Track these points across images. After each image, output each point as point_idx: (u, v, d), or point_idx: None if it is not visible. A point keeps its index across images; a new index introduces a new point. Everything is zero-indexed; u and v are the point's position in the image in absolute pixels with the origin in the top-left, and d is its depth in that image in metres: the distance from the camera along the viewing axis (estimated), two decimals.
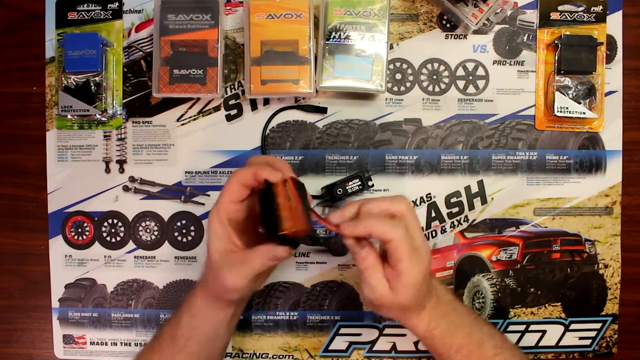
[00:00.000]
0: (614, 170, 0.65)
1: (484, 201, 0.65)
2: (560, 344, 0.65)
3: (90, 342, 0.66)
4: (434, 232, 0.65)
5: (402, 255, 0.46)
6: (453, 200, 0.65)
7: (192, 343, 0.51)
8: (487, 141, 0.65)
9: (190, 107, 0.65)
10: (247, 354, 0.65)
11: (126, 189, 0.65)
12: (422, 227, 0.65)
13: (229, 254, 0.48)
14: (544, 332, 0.65)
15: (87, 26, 0.64)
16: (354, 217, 0.49)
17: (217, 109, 0.65)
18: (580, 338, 0.65)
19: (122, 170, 0.65)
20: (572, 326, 0.65)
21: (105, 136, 0.65)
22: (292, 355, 0.65)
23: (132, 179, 0.65)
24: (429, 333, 0.51)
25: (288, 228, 0.45)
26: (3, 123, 0.66)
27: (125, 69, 0.65)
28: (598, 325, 0.65)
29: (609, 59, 0.65)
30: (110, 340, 0.66)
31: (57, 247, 0.65)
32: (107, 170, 0.65)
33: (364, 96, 0.64)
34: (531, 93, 0.65)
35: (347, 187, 0.60)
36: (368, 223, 0.46)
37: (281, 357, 0.65)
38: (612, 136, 0.65)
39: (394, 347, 0.65)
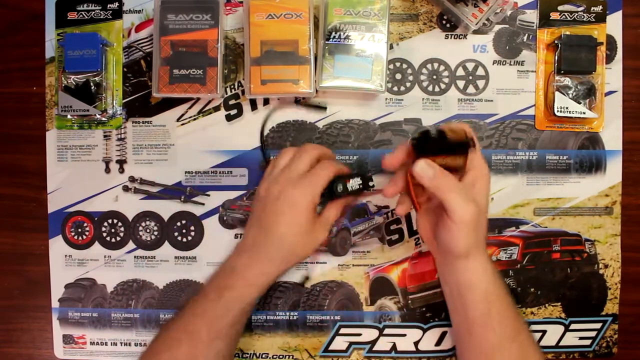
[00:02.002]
0: (614, 170, 0.65)
1: None
2: (561, 344, 0.65)
3: (90, 342, 0.66)
4: None
5: (476, 148, 0.51)
6: None
7: (233, 328, 0.54)
8: (487, 141, 0.65)
9: (190, 107, 0.65)
10: (247, 354, 0.65)
11: (126, 189, 0.65)
12: None
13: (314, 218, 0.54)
14: (544, 332, 0.65)
15: (87, 26, 0.64)
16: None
17: (217, 109, 0.65)
18: (581, 338, 0.65)
19: (122, 170, 0.65)
20: (572, 326, 0.65)
21: (105, 136, 0.65)
22: (292, 356, 0.65)
23: (132, 179, 0.65)
24: (493, 277, 0.53)
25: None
26: (3, 123, 0.66)
27: (125, 69, 0.65)
28: (598, 325, 0.65)
29: (609, 59, 0.65)
30: (110, 340, 0.66)
31: (57, 247, 0.65)
32: (107, 170, 0.65)
33: (364, 96, 0.64)
34: (531, 93, 0.65)
35: (347, 185, 0.60)
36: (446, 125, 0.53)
37: (281, 357, 0.65)
38: (612, 136, 0.65)
39: (394, 347, 0.65)
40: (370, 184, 0.61)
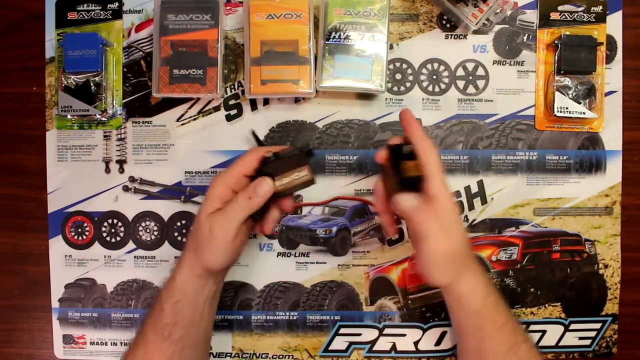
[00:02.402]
0: (614, 170, 0.65)
1: (483, 201, 0.65)
2: (560, 344, 0.65)
3: (90, 342, 0.66)
4: None
5: (435, 173, 0.48)
6: None
7: (176, 329, 0.51)
8: (487, 141, 0.65)
9: (190, 107, 0.65)
10: (247, 354, 0.65)
11: (126, 189, 0.65)
12: None
13: (216, 211, 0.50)
14: (544, 332, 0.65)
15: (87, 26, 0.64)
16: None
17: (217, 109, 0.65)
18: (580, 338, 0.65)
19: (122, 170, 0.65)
20: (572, 326, 0.65)
21: (105, 136, 0.65)
22: (292, 355, 0.65)
23: (132, 179, 0.65)
24: (484, 300, 0.51)
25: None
26: (3, 123, 0.66)
27: (125, 69, 0.65)
28: (598, 325, 0.65)
29: (609, 59, 0.65)
30: (110, 340, 0.66)
31: (57, 247, 0.65)
32: (107, 170, 0.65)
33: (364, 96, 0.64)
34: (531, 93, 0.65)
35: (279, 154, 0.51)
36: (420, 130, 0.50)
37: (281, 357, 0.65)
38: (612, 136, 0.65)
39: (393, 347, 0.65)
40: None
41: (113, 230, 0.65)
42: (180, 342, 0.52)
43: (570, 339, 0.65)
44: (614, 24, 0.65)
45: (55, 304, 0.65)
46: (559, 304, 0.65)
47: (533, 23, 0.65)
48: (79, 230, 0.65)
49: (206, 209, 0.51)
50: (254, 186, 0.50)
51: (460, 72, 0.65)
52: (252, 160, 0.51)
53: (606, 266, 0.65)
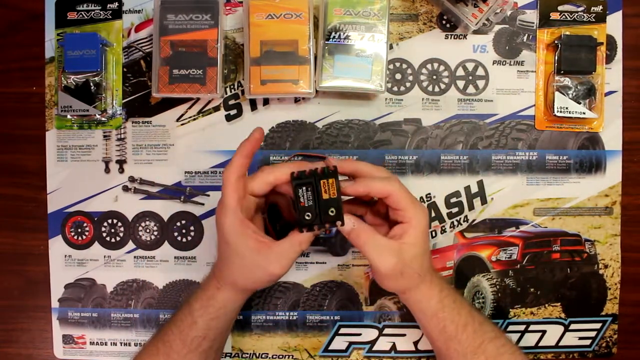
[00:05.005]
0: (614, 170, 0.65)
1: (483, 201, 0.65)
2: (560, 344, 0.65)
3: (90, 342, 0.66)
4: (433, 232, 0.65)
5: (405, 204, 0.49)
6: (453, 200, 0.65)
7: (205, 342, 0.52)
8: (487, 141, 0.65)
9: (189, 107, 0.65)
10: (247, 354, 0.65)
11: (126, 189, 0.65)
12: None
13: (263, 248, 0.49)
14: (543, 332, 0.65)
15: (86, 26, 0.64)
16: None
17: (216, 109, 0.65)
18: (580, 338, 0.65)
19: (121, 170, 0.65)
20: (572, 326, 0.65)
21: (104, 136, 0.65)
22: (292, 355, 0.65)
23: (131, 179, 0.65)
24: (441, 304, 0.52)
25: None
26: (3, 123, 0.66)
27: (124, 69, 0.65)
28: (598, 325, 0.65)
29: (609, 59, 0.65)
30: (110, 340, 0.66)
31: (57, 247, 0.65)
32: (107, 170, 0.65)
33: (364, 96, 0.64)
34: (531, 93, 0.65)
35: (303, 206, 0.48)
36: (365, 182, 0.49)
37: (281, 357, 0.65)
38: (612, 136, 0.65)
39: (393, 347, 0.65)
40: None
41: (113, 230, 0.65)
42: (204, 354, 0.52)
43: (570, 339, 0.65)
44: (614, 24, 0.65)
45: (55, 304, 0.65)
46: (558, 304, 0.65)
47: (533, 23, 0.65)
48: (79, 230, 0.65)
49: (248, 246, 0.48)
50: (311, 236, 0.50)
51: (460, 72, 0.65)
52: (240, 184, 0.49)
53: (606, 266, 0.65)
